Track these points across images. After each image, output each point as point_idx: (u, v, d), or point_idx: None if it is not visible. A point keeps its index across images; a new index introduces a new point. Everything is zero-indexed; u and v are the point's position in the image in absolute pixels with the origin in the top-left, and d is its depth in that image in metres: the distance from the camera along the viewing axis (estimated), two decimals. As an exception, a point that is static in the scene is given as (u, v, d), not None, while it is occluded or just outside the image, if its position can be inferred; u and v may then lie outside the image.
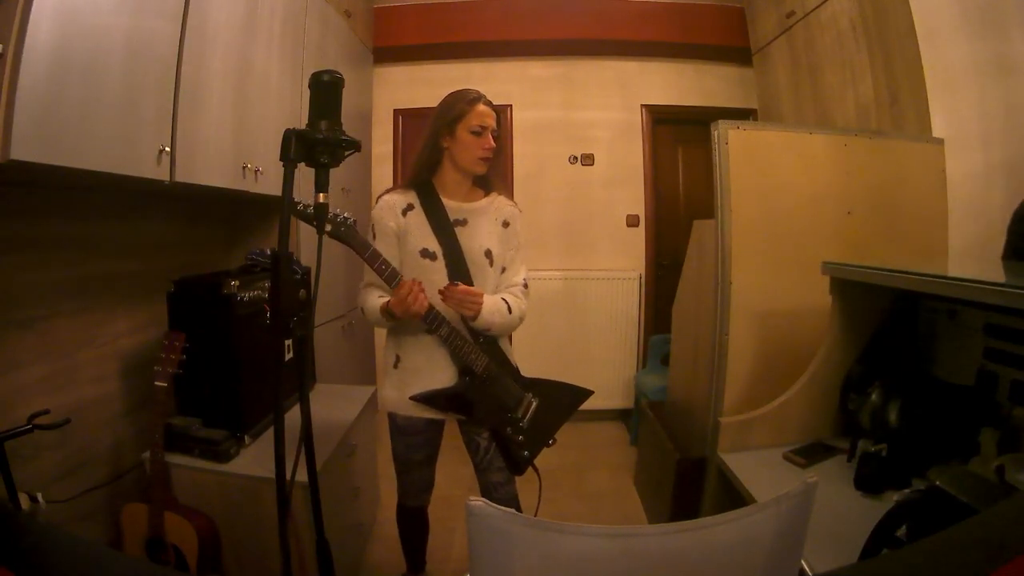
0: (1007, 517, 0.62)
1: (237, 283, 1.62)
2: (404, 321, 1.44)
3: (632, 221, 3.60)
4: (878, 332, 1.54)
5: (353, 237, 1.32)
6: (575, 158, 3.60)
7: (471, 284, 1.46)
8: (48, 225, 1.44)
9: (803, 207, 1.73)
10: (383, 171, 3.61)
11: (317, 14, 2.46)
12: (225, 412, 1.63)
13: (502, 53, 3.56)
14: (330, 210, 1.23)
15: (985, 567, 0.45)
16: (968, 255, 1.83)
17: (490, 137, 1.47)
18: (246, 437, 1.64)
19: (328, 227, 1.25)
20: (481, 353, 1.47)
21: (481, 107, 1.47)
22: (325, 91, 1.01)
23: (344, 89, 1.03)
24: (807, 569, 0.95)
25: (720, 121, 1.65)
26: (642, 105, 3.59)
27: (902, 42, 2.05)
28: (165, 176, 1.41)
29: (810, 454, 1.47)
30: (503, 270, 1.56)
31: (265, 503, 1.44)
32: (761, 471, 1.42)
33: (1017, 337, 1.24)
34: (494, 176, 1.57)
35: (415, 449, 1.60)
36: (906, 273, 1.19)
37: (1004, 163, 1.87)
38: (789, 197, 1.71)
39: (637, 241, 3.60)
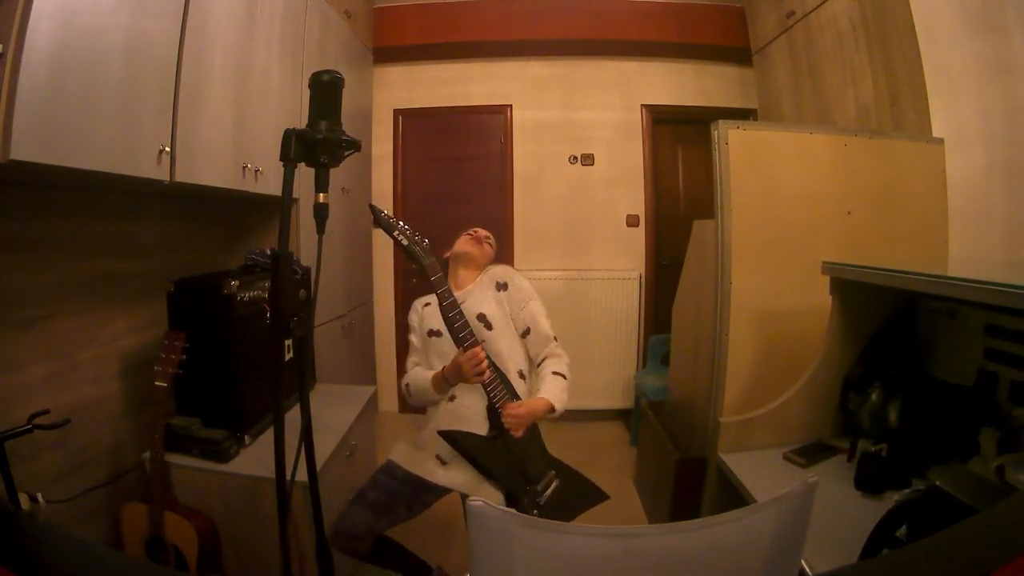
0: (1007, 517, 0.62)
1: (237, 283, 1.62)
2: (441, 392, 1.53)
3: (632, 221, 3.60)
4: (878, 332, 1.54)
5: (421, 252, 1.39)
6: (575, 158, 3.60)
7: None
8: (48, 225, 1.44)
9: (803, 207, 1.73)
10: (383, 171, 3.61)
11: (317, 14, 2.46)
12: (225, 412, 1.63)
13: (502, 53, 3.56)
14: (411, 230, 1.39)
15: (985, 567, 0.45)
16: (968, 255, 1.83)
17: (480, 233, 1.69)
18: (246, 437, 1.64)
19: (404, 238, 1.36)
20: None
21: (476, 228, 1.72)
22: (325, 91, 1.01)
23: (344, 89, 1.03)
24: (807, 569, 0.94)
25: (720, 121, 1.65)
26: (642, 105, 3.59)
27: (902, 42, 2.05)
28: (165, 176, 1.41)
29: (810, 454, 1.47)
30: (527, 333, 1.61)
31: (265, 503, 1.44)
32: (761, 471, 1.42)
33: (1017, 337, 1.24)
34: (487, 261, 1.71)
35: (374, 487, 1.57)
36: (906, 273, 1.19)
37: (1004, 163, 1.87)
38: (789, 197, 1.71)
39: (637, 241, 3.60)
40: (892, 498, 1.11)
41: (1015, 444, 1.14)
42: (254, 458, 1.59)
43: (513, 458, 1.45)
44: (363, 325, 3.32)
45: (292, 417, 1.02)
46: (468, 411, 1.51)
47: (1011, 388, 1.24)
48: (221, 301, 1.60)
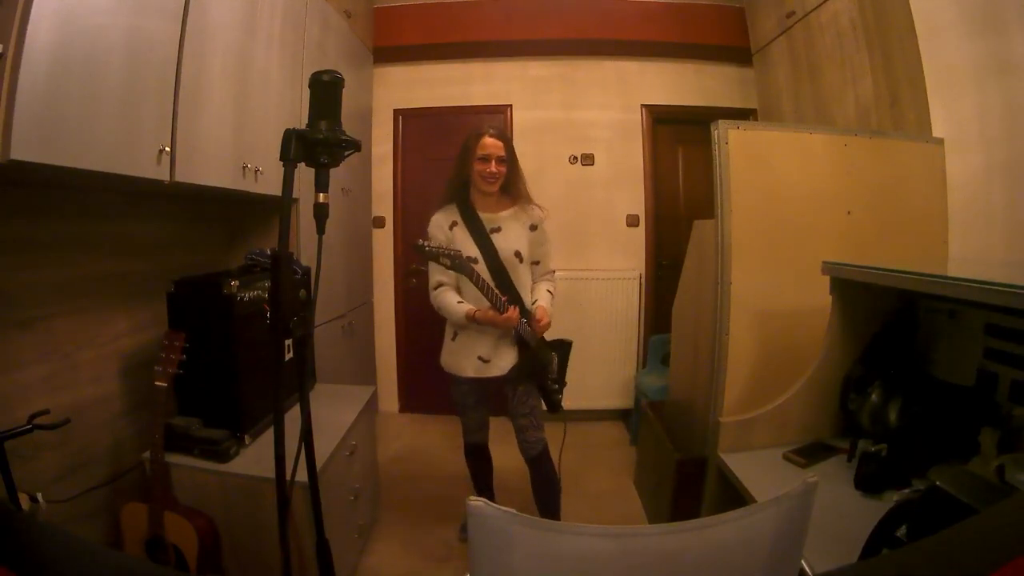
0: (1007, 517, 0.62)
1: (237, 283, 1.62)
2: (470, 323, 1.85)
3: (632, 221, 3.60)
4: (878, 332, 1.54)
5: (465, 268, 1.72)
6: (575, 158, 3.60)
7: (507, 280, 1.87)
8: (48, 225, 1.44)
9: (803, 207, 1.72)
10: (383, 171, 3.61)
11: (317, 14, 2.46)
12: (225, 412, 1.63)
13: (502, 53, 3.56)
14: (443, 248, 1.70)
15: (985, 567, 0.44)
16: (968, 255, 1.83)
17: (492, 163, 1.83)
18: (246, 437, 1.64)
19: (448, 262, 1.68)
20: (532, 332, 1.89)
21: (485, 139, 1.84)
22: (325, 91, 1.01)
23: (344, 89, 1.03)
24: (807, 569, 0.95)
25: (720, 121, 1.65)
26: (642, 105, 3.58)
27: (902, 42, 2.05)
28: (165, 176, 1.41)
29: (810, 454, 1.47)
30: (536, 263, 1.98)
31: (265, 503, 1.44)
32: (761, 471, 1.42)
33: (1017, 337, 1.24)
34: (518, 189, 1.93)
35: (467, 395, 2.00)
36: (906, 273, 1.19)
37: (1004, 163, 1.87)
38: (789, 197, 1.71)
39: (637, 241, 3.60)
40: (892, 498, 1.12)
41: (1015, 444, 1.14)
42: (254, 458, 1.59)
43: (538, 360, 1.94)
44: (363, 325, 3.32)
45: (292, 417, 1.02)
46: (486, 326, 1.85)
47: (1011, 388, 1.24)
48: (221, 301, 1.60)
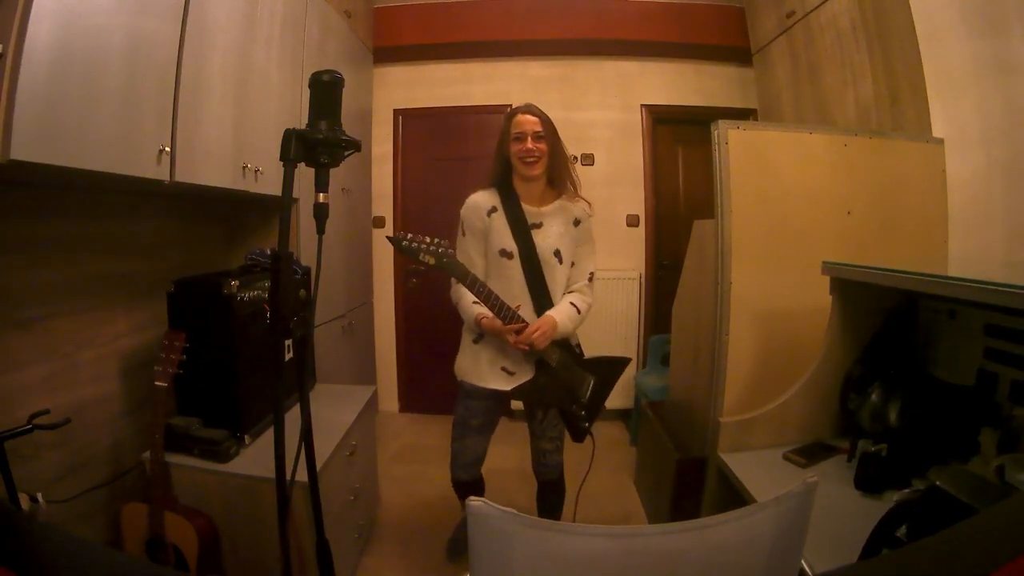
0: (1007, 517, 0.62)
1: (237, 283, 1.62)
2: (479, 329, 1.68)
3: (632, 221, 3.60)
4: (878, 332, 1.54)
5: (456, 269, 1.51)
6: (575, 158, 3.59)
7: (543, 281, 1.68)
8: (48, 225, 1.44)
9: (803, 207, 1.72)
10: (383, 171, 3.61)
11: (317, 14, 2.46)
12: (225, 412, 1.63)
13: (502, 53, 3.56)
14: (429, 241, 1.46)
15: (985, 567, 0.45)
16: (968, 255, 1.83)
17: (528, 140, 1.65)
18: (246, 437, 1.64)
19: (432, 259, 1.46)
20: (555, 348, 1.68)
21: (518, 117, 1.68)
22: (325, 91, 1.01)
23: (344, 89, 1.03)
24: (807, 569, 0.95)
25: (720, 121, 1.65)
26: (642, 105, 3.58)
27: (902, 42, 2.05)
28: (165, 176, 1.41)
29: (810, 454, 1.47)
30: (572, 264, 1.75)
31: (265, 503, 1.44)
32: (761, 471, 1.42)
33: (1017, 337, 1.24)
34: (564, 175, 1.75)
35: (474, 414, 1.78)
36: (906, 273, 1.19)
37: (1004, 163, 1.87)
38: (789, 197, 1.71)
39: (637, 241, 3.60)
40: (892, 498, 1.11)
41: (1015, 444, 1.14)
42: (254, 458, 1.59)
43: (560, 383, 1.71)
44: (363, 325, 3.32)
45: (292, 417, 1.02)
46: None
47: (1011, 388, 1.24)
48: (221, 301, 1.60)
